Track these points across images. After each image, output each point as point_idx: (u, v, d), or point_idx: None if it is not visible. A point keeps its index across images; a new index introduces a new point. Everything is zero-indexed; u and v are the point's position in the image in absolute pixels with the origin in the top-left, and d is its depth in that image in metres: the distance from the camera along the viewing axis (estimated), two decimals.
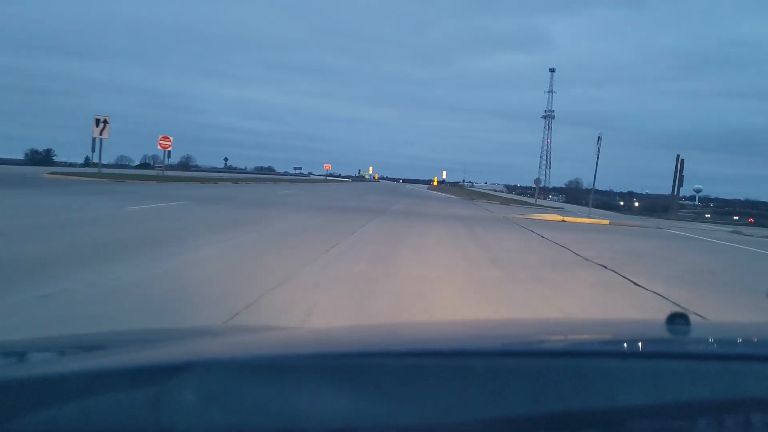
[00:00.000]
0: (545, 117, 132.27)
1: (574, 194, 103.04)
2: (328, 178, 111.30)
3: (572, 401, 0.79)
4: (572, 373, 0.85)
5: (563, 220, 21.81)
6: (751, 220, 65.25)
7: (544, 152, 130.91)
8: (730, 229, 23.37)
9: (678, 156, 31.65)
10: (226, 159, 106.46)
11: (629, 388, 0.82)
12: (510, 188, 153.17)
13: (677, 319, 1.16)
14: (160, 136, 41.05)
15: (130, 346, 1.26)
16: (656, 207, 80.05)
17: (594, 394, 0.81)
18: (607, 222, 22.04)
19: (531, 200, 44.28)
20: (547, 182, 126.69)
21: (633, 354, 1.01)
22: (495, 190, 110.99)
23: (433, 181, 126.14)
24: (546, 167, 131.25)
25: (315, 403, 0.76)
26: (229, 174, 74.26)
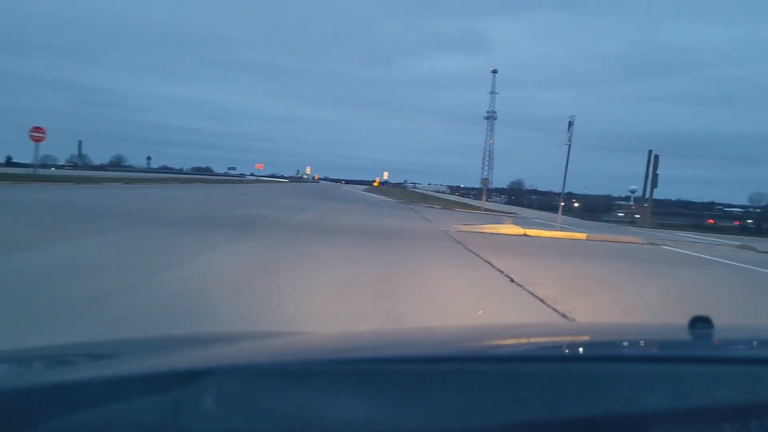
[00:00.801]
0: (487, 118, 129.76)
1: (517, 195, 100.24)
2: (260, 178, 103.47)
3: (592, 406, 0.78)
4: (592, 377, 0.84)
5: (525, 235, 15.93)
6: (711, 221, 62.53)
7: (487, 153, 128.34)
8: (737, 243, 18.14)
9: (650, 152, 26.61)
10: (149, 158, 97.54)
11: (650, 393, 0.80)
12: (453, 189, 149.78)
13: (700, 323, 1.14)
14: (32, 127, 33.26)
15: (149, 353, 1.26)
16: (596, 207, 79.70)
17: (614, 399, 0.80)
18: (584, 236, 16.33)
19: (477, 203, 38.66)
20: (490, 183, 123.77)
21: (654, 358, 0.99)
22: (438, 191, 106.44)
23: (375, 182, 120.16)
24: (489, 168, 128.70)
25: (332, 409, 0.76)
26: (149, 174, 65.74)
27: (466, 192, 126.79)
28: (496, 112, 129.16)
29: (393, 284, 6.73)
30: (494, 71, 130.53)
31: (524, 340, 1.28)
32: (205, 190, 34.18)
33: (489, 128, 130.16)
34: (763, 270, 11.46)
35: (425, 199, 43.64)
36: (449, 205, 35.38)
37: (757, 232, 53.01)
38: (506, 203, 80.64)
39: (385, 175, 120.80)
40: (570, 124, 17.28)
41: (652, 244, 16.06)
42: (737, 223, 58.95)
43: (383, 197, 44.65)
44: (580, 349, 1.13)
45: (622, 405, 0.79)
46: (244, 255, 8.33)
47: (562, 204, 19.69)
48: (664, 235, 21.48)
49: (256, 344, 1.34)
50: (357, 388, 0.80)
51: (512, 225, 17.13)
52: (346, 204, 28.69)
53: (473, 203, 40.21)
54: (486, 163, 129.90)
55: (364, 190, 65.81)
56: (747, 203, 79.29)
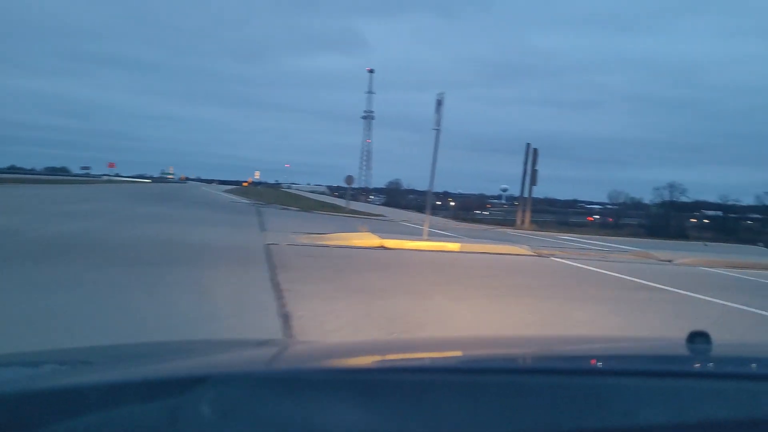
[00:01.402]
0: (365, 118, 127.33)
1: (395, 195, 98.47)
2: (114, 178, 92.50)
3: (590, 420, 0.77)
4: (590, 390, 0.84)
5: (382, 247, 11.93)
6: (590, 218, 63.51)
7: (365, 153, 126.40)
8: (634, 250, 15.37)
9: (528, 145, 23.87)
10: None
11: (647, 407, 0.80)
12: (333, 189, 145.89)
13: (697, 338, 1.12)
14: None
15: (148, 359, 1.26)
16: (471, 206, 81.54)
17: (611, 413, 0.79)
18: (457, 247, 12.62)
19: (349, 203, 34.60)
20: (368, 183, 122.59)
21: (651, 372, 0.97)
22: (315, 192, 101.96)
23: (245, 182, 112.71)
24: (367, 168, 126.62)
25: (330, 418, 0.76)
26: None
27: (344, 192, 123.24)
28: (373, 111, 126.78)
29: None
30: (371, 71, 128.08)
31: (523, 353, 1.24)
32: None
33: (366, 128, 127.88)
34: (709, 299, 8.19)
35: (290, 200, 39.04)
36: (311, 207, 31.02)
37: (616, 227, 55.12)
38: (383, 204, 78.61)
39: (257, 175, 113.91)
40: (438, 103, 13.55)
41: (539, 255, 12.70)
42: (611, 219, 60.38)
43: (240, 198, 39.22)
44: (579, 363, 1.09)
45: (619, 419, 0.78)
46: None
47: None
48: (547, 240, 18.53)
49: (253, 352, 1.31)
50: (353, 398, 0.79)
51: (368, 234, 13.08)
52: (176, 208, 23.28)
53: (341, 204, 36.12)
54: (364, 163, 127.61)
55: (225, 191, 59.16)
56: (606, 200, 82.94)
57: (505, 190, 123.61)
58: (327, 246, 11.46)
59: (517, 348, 1.36)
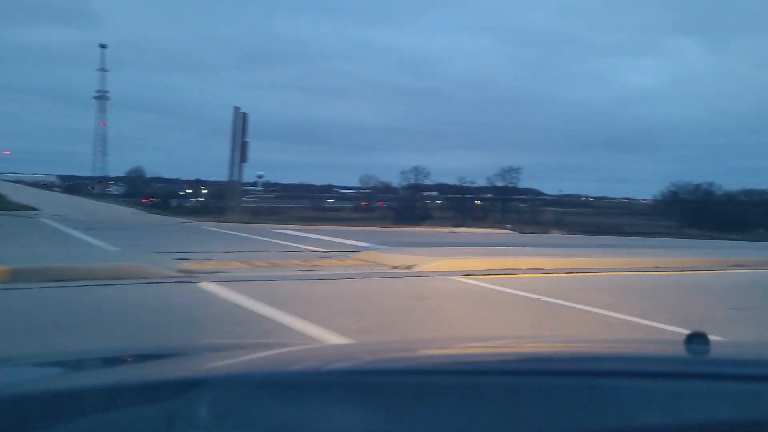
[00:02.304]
0: (98, 98, 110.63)
1: (137, 184, 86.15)
2: None
3: (587, 421, 0.77)
4: (587, 392, 0.83)
5: None
6: (364, 203, 61.01)
7: (100, 137, 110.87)
8: (364, 249, 10.62)
9: (237, 110, 18.19)
10: None
11: (646, 409, 0.79)
12: (65, 179, 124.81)
13: (696, 339, 1.11)
14: None
15: (145, 362, 1.25)
16: (222, 194, 75.58)
17: (609, 414, 0.79)
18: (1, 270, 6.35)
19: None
20: (106, 170, 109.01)
21: (649, 374, 0.96)
22: (38, 183, 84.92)
23: None
24: (102, 154, 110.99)
25: (328, 420, 0.75)
26: None
27: (81, 182, 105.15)
28: (108, 91, 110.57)
29: None
30: (103, 46, 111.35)
31: (522, 355, 1.24)
32: None
33: (101, 110, 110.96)
34: None
35: None
36: None
37: (368, 210, 54.18)
38: (124, 193, 68.44)
39: None
40: None
41: (186, 275, 7.05)
42: (381, 204, 59.05)
43: None
44: (576, 364, 1.08)
45: (618, 420, 0.78)
46: None
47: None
48: (247, 237, 13.07)
49: (252, 355, 1.29)
50: (351, 400, 0.79)
51: None
52: None
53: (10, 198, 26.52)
54: (99, 148, 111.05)
55: None
56: (358, 185, 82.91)
57: (261, 176, 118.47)
58: None
59: (516, 349, 1.34)
